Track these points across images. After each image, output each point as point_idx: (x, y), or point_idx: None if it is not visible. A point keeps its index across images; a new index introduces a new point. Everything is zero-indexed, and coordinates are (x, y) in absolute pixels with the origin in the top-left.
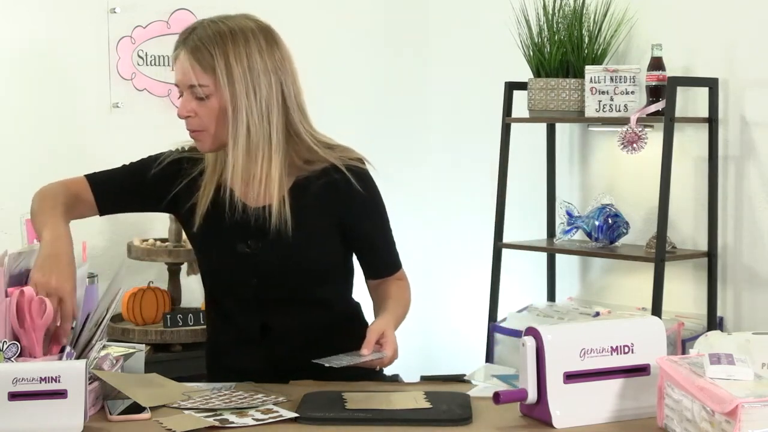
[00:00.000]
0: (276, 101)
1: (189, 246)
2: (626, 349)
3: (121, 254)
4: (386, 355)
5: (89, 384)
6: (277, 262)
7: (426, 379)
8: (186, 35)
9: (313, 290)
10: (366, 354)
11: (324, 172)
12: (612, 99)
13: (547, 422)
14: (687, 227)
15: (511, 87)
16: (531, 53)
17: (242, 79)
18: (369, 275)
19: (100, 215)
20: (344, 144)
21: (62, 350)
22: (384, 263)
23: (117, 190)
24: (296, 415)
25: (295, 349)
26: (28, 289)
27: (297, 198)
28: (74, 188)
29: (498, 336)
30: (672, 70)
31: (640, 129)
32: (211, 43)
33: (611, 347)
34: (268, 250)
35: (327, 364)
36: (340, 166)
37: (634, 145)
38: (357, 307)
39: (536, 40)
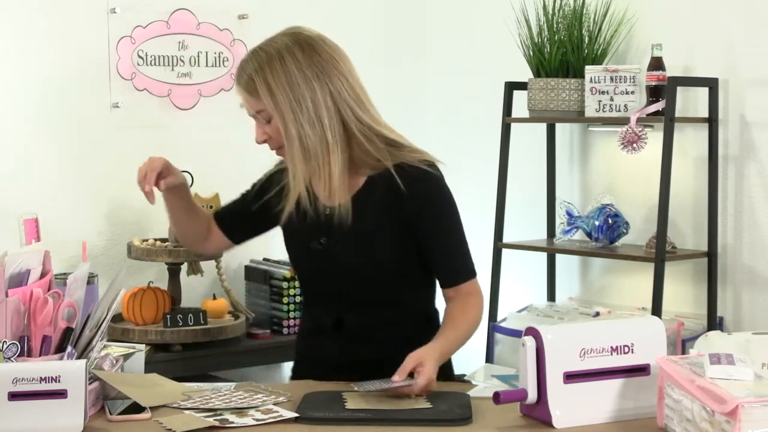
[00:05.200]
0: (325, 105)
1: None
2: (626, 349)
3: (121, 254)
4: (416, 384)
5: (89, 384)
6: (343, 260)
7: None
8: (238, 70)
9: (383, 290)
10: (397, 380)
11: (389, 172)
12: (612, 99)
13: (547, 422)
14: (687, 227)
15: (511, 87)
16: (531, 53)
17: (285, 96)
18: (440, 283)
19: (236, 244)
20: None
21: (62, 350)
22: (445, 270)
23: (236, 218)
24: (296, 415)
25: (365, 345)
26: (36, 290)
27: (364, 197)
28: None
29: (498, 336)
30: (672, 70)
31: (640, 129)
32: (254, 72)
33: (611, 347)
34: (335, 248)
35: (356, 388)
36: (401, 166)
37: (634, 145)
38: (434, 314)
39: (536, 40)
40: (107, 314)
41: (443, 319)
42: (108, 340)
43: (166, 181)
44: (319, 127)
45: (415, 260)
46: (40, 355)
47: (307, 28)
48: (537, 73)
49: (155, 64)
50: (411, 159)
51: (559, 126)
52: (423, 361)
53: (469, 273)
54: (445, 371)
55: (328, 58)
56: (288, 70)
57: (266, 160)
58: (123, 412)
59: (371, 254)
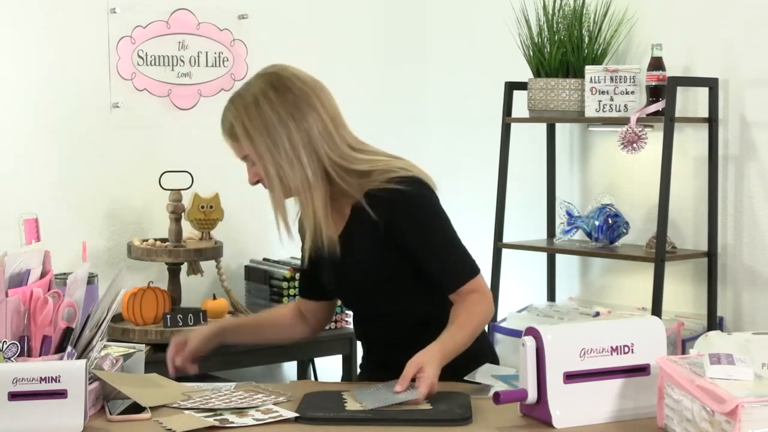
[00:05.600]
0: (302, 143)
1: (189, 246)
2: (626, 349)
3: (121, 254)
4: (419, 395)
5: (89, 384)
6: (345, 286)
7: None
8: (221, 117)
9: (388, 305)
10: (399, 390)
11: (367, 198)
12: (612, 99)
13: (547, 422)
14: (687, 227)
15: (511, 87)
16: (531, 53)
17: (262, 140)
18: (442, 290)
19: (330, 300)
20: (386, 155)
21: (62, 350)
22: (442, 277)
23: (313, 282)
24: (296, 415)
25: (386, 352)
26: (36, 290)
27: (353, 227)
28: (295, 309)
29: (498, 336)
30: (672, 70)
31: (640, 129)
32: (233, 119)
33: (611, 347)
34: (338, 275)
35: (362, 403)
36: (369, 194)
37: (634, 145)
38: (433, 312)
39: (536, 40)
40: (107, 314)
41: (449, 320)
42: (108, 340)
43: (184, 358)
44: (299, 166)
45: (407, 273)
46: (40, 355)
47: (282, 66)
48: (537, 73)
49: (155, 64)
50: (379, 184)
51: (559, 126)
52: (423, 366)
53: (468, 274)
54: (458, 372)
55: (302, 95)
56: (263, 114)
57: None
58: (123, 412)
59: (362, 279)
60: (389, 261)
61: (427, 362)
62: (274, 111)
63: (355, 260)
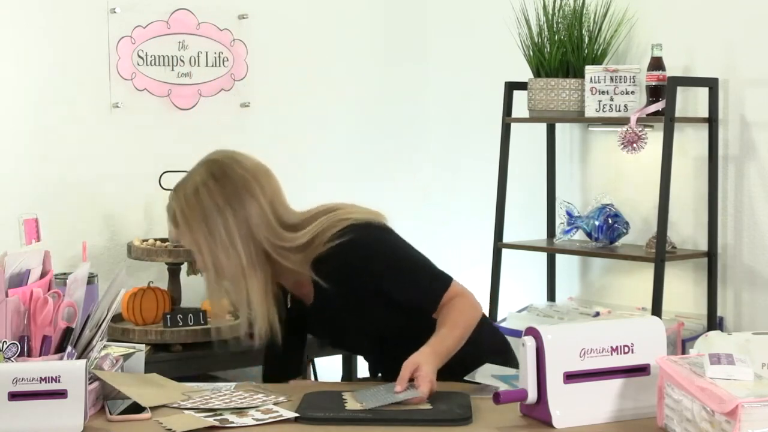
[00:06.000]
0: (239, 232)
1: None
2: (626, 349)
3: (121, 254)
4: (421, 394)
5: (89, 384)
6: (333, 343)
7: None
8: (167, 206)
9: (377, 339)
10: (399, 390)
11: (314, 268)
12: (612, 99)
13: (547, 422)
14: (687, 227)
15: (511, 87)
16: (531, 53)
17: (200, 229)
18: (424, 311)
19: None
20: (325, 211)
21: (62, 350)
22: (419, 302)
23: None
24: (296, 415)
25: (386, 364)
26: (36, 290)
27: (320, 294)
28: None
29: None
30: (672, 70)
31: (640, 129)
32: (176, 209)
33: (611, 347)
34: (324, 336)
35: (363, 404)
36: (315, 265)
37: (634, 145)
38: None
39: (536, 40)
40: (107, 314)
41: (436, 328)
42: (108, 340)
43: None
44: (234, 254)
45: (390, 312)
46: (40, 355)
47: (225, 153)
48: (537, 73)
49: (155, 64)
50: (322, 248)
51: (559, 126)
52: (419, 365)
53: (441, 288)
54: (458, 372)
55: (242, 182)
56: (202, 204)
57: (265, 161)
58: (123, 412)
59: (357, 332)
60: (365, 307)
61: (422, 361)
62: (212, 200)
63: (335, 327)
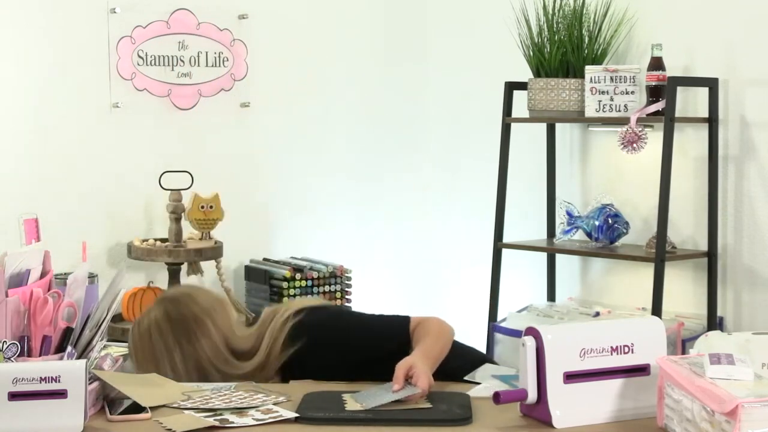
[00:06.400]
0: (185, 367)
1: (189, 246)
2: (626, 349)
3: (121, 254)
4: (420, 389)
5: (89, 384)
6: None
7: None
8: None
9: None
10: (397, 389)
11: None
12: (612, 99)
13: (547, 422)
14: (687, 227)
15: (511, 87)
16: (531, 53)
17: (150, 366)
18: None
19: None
20: (270, 325)
21: (62, 350)
22: (393, 332)
23: None
24: (296, 415)
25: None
26: (36, 290)
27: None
28: None
29: (498, 336)
30: (672, 70)
31: (640, 129)
32: (131, 344)
33: (611, 347)
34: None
35: (362, 404)
36: (285, 369)
37: (634, 145)
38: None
39: (536, 40)
40: (107, 314)
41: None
42: (108, 340)
43: None
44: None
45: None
46: (40, 355)
47: (182, 288)
48: (537, 73)
49: (155, 64)
50: (282, 359)
51: (559, 126)
52: (413, 364)
53: (402, 326)
54: (455, 374)
55: (194, 319)
56: (152, 344)
57: (266, 161)
58: (123, 412)
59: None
60: (343, 369)
61: (415, 361)
62: (162, 340)
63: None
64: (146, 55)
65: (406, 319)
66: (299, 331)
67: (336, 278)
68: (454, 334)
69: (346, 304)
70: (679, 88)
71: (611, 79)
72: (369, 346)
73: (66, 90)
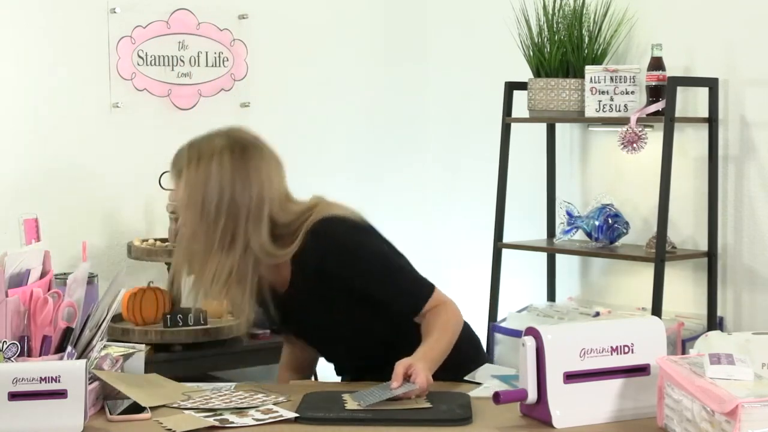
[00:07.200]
0: (227, 213)
1: None
2: (626, 349)
3: (121, 254)
4: (417, 387)
5: (89, 384)
6: (304, 334)
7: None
8: (174, 157)
9: (349, 339)
10: (396, 386)
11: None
12: (612, 99)
13: (547, 422)
14: (687, 227)
15: (511, 87)
16: (531, 53)
17: (196, 195)
18: (404, 314)
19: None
20: (307, 208)
21: (62, 350)
22: (399, 304)
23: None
24: (296, 415)
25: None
26: (36, 290)
27: (298, 284)
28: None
29: (498, 336)
30: (672, 70)
31: (640, 129)
32: (184, 166)
33: (611, 347)
34: (303, 326)
35: (360, 403)
36: (296, 259)
37: (634, 145)
38: (396, 332)
39: (536, 40)
40: (107, 314)
41: (422, 337)
42: (108, 340)
43: None
44: (212, 233)
45: (364, 314)
46: (40, 355)
47: (245, 130)
48: (537, 73)
49: (155, 64)
50: (300, 243)
51: (559, 126)
52: (412, 363)
53: (424, 295)
54: (455, 374)
55: (255, 166)
56: (209, 173)
57: None
58: (123, 412)
59: (329, 329)
60: (336, 304)
61: (415, 361)
62: (220, 174)
63: (303, 318)
64: (146, 55)
65: (428, 292)
66: (332, 234)
67: None
68: (462, 326)
69: None
70: (679, 88)
71: (611, 79)
72: (378, 298)
73: (66, 90)
